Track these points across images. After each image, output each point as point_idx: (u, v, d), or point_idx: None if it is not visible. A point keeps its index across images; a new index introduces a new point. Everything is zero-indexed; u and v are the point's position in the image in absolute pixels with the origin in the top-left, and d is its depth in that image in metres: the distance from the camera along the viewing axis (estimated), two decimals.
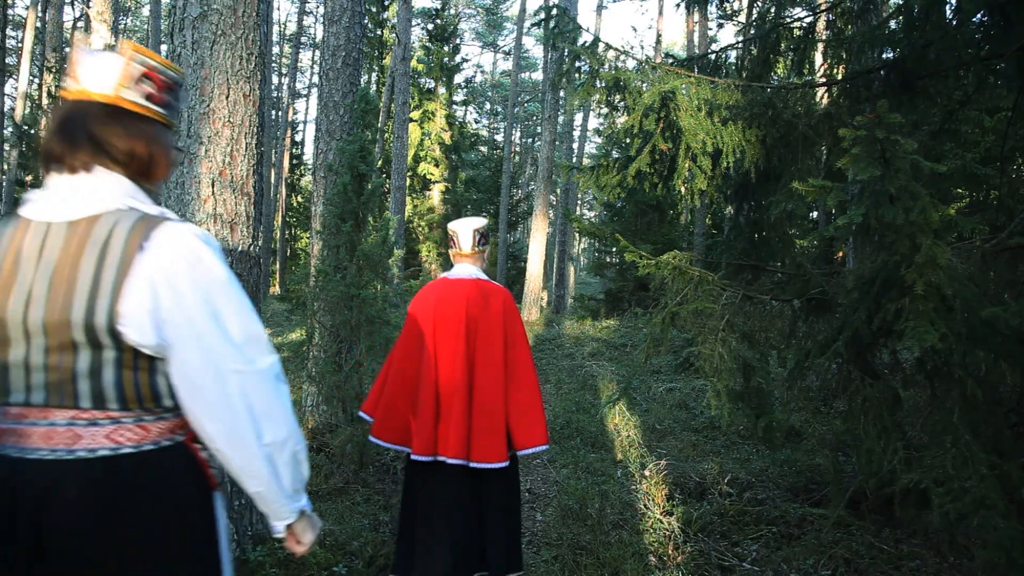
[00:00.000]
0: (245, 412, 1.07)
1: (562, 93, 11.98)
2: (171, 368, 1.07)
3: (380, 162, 15.90)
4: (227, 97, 2.77)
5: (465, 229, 2.53)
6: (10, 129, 14.16)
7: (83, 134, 1.10)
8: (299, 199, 26.58)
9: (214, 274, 1.09)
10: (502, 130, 31.01)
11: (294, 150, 27.40)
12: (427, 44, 20.49)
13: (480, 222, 2.56)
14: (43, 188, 1.12)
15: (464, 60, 21.67)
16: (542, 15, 3.68)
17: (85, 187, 1.09)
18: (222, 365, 1.06)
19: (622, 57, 3.47)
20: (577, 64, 3.49)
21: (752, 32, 4.09)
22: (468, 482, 2.41)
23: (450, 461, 2.33)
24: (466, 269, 2.55)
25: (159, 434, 1.09)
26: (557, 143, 15.90)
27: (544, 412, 2.49)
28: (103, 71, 1.12)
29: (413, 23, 15.32)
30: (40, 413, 1.04)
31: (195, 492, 1.13)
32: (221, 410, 1.06)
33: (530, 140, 36.92)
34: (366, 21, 13.05)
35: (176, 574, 1.08)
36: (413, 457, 2.42)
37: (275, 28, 28.37)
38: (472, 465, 2.36)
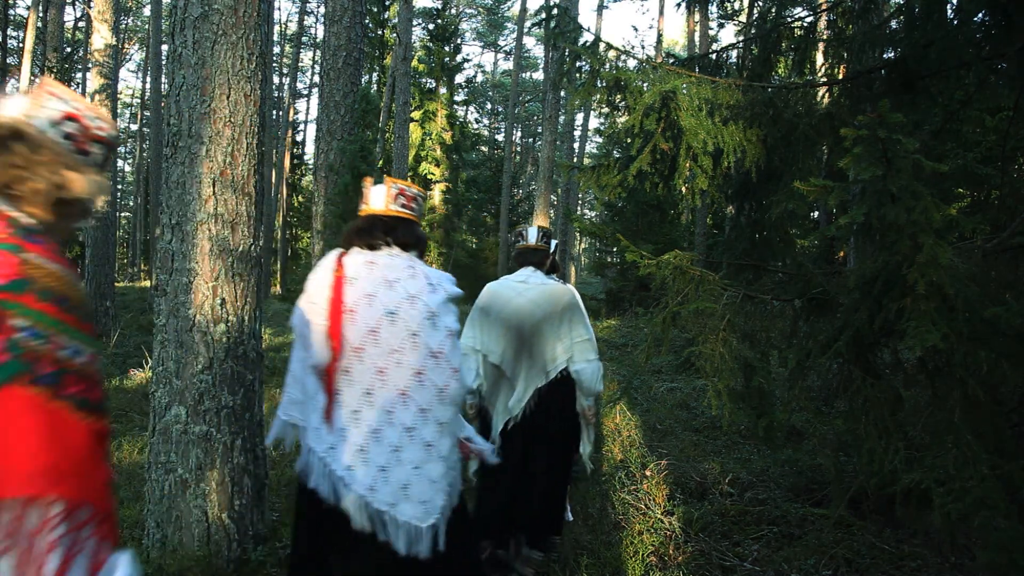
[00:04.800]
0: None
1: (563, 93, 11.98)
2: None
3: (381, 162, 15.88)
4: (228, 97, 2.77)
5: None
6: None
7: None
8: (300, 199, 26.60)
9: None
10: (503, 130, 31.03)
11: (295, 150, 27.42)
12: (428, 44, 20.50)
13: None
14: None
15: (465, 60, 21.69)
16: (543, 15, 3.67)
17: None
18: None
19: (623, 57, 3.46)
20: (578, 64, 3.48)
21: (753, 32, 4.09)
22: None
23: None
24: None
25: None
26: (558, 143, 15.89)
27: None
28: None
29: (414, 23, 15.33)
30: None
31: None
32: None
33: (531, 140, 36.94)
34: (367, 21, 13.02)
35: None
36: None
37: (276, 28, 28.38)
38: None
